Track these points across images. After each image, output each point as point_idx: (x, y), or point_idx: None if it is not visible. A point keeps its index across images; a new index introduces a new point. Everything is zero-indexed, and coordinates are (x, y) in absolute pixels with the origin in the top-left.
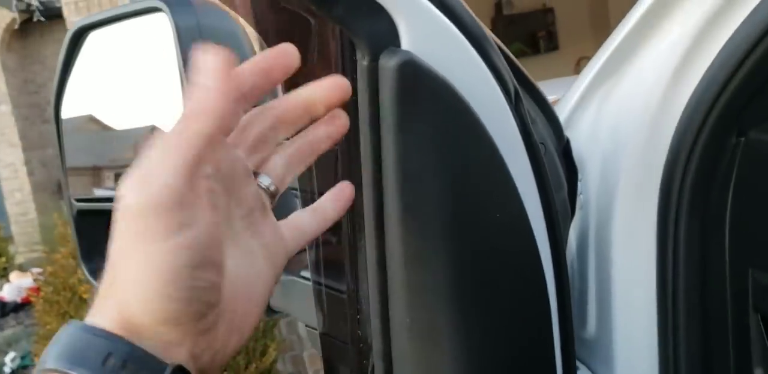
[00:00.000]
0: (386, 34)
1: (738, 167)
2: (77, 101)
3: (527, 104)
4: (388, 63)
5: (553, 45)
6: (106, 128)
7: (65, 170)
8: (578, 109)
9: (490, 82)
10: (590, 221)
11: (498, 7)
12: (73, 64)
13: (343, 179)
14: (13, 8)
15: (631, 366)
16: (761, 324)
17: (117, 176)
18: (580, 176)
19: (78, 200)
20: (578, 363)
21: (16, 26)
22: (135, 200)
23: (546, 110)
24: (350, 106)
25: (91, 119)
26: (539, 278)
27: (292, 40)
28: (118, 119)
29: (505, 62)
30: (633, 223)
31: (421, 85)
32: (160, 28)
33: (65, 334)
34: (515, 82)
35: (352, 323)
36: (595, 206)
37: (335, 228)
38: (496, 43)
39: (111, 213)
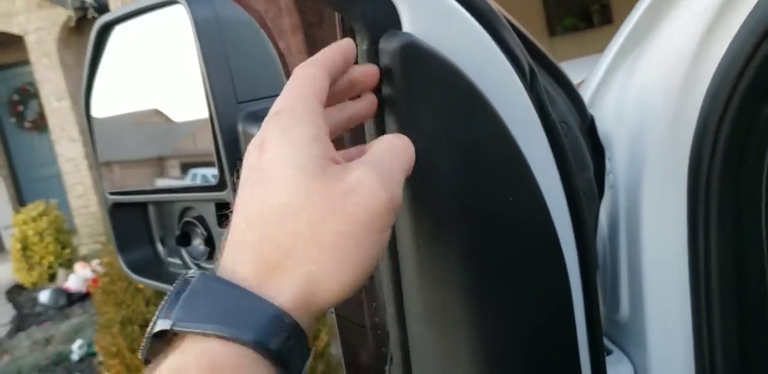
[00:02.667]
0: (385, 17)
1: None
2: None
3: (546, 82)
4: (388, 46)
5: (606, 18)
6: (168, 120)
7: (98, 163)
8: (603, 85)
9: (501, 62)
10: (620, 201)
11: None
12: (100, 59)
13: None
14: (69, 6)
15: (664, 349)
16: None
17: (183, 166)
18: (608, 154)
19: (111, 194)
20: (612, 346)
21: (72, 24)
22: (386, 197)
23: (567, 88)
24: None
25: (157, 112)
26: (558, 261)
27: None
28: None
29: (518, 40)
30: (663, 202)
31: (423, 68)
32: (183, 20)
33: (223, 297)
34: (530, 60)
35: (369, 309)
36: (624, 185)
37: None
38: (510, 22)
39: (144, 205)
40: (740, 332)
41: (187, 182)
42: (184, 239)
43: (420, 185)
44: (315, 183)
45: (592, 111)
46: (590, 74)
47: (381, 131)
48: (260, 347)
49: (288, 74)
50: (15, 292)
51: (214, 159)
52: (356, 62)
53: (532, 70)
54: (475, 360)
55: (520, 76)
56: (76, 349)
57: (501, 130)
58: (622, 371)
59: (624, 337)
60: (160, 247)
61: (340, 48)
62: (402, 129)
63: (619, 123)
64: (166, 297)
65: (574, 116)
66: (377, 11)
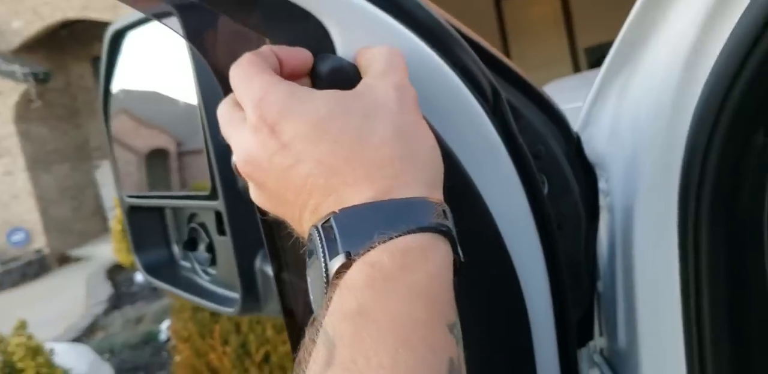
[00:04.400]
0: (315, 41)
1: None
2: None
3: (519, 103)
4: (321, 70)
5: None
6: (176, 126)
7: (116, 166)
8: (597, 103)
9: (455, 84)
10: (616, 224)
11: None
12: (116, 64)
13: None
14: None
15: None
16: None
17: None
18: (604, 174)
19: (129, 197)
20: None
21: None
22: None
23: (546, 108)
24: None
25: (165, 117)
26: (513, 289)
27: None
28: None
29: (477, 60)
30: (655, 229)
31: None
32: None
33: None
34: (493, 81)
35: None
36: (620, 207)
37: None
38: (469, 38)
39: (161, 209)
40: (733, 364)
41: (185, 190)
42: (191, 245)
43: None
44: (354, 117)
45: (588, 128)
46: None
47: None
48: (432, 228)
49: None
50: (115, 271)
51: (207, 169)
52: None
53: (495, 92)
54: None
55: (479, 99)
56: (164, 329)
57: (447, 157)
58: None
59: (622, 368)
60: (176, 250)
61: (274, 49)
62: None
63: (614, 142)
64: (318, 245)
65: (555, 137)
66: (306, 34)
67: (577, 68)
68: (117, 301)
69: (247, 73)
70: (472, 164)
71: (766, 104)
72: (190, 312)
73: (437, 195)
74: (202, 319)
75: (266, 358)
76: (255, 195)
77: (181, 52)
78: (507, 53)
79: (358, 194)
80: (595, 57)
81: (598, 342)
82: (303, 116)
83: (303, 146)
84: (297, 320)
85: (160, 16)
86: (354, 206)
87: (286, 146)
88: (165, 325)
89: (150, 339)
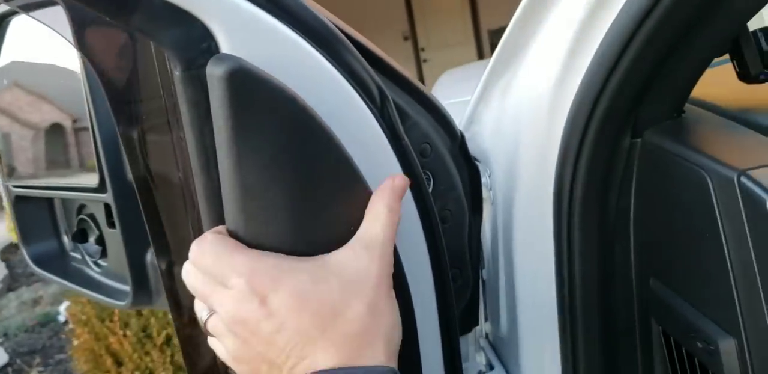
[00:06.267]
0: (198, 41)
1: (637, 170)
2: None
3: (404, 103)
4: (216, 71)
5: None
6: (61, 117)
7: (2, 153)
8: (482, 101)
9: (342, 87)
10: (499, 216)
11: None
12: None
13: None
14: None
15: (536, 366)
16: (662, 337)
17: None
18: (487, 170)
19: (15, 187)
20: (496, 362)
21: None
22: (374, 268)
23: (431, 108)
24: (171, 114)
25: (52, 108)
26: (399, 281)
27: (111, 50)
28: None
29: (364, 64)
30: (532, 223)
31: (255, 95)
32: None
33: None
34: (380, 84)
35: None
36: (502, 202)
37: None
38: (354, 39)
39: (50, 199)
40: (603, 356)
41: (71, 181)
42: (81, 236)
43: (252, 220)
44: (333, 292)
45: (472, 126)
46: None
47: (205, 159)
48: None
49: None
50: (9, 251)
51: (94, 161)
52: (173, 89)
53: (382, 94)
54: None
55: (368, 101)
56: (63, 311)
57: (341, 159)
58: None
59: (505, 352)
60: (65, 240)
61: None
62: (235, 161)
63: (497, 139)
64: None
65: (441, 136)
66: (189, 35)
67: (480, 50)
68: (12, 282)
69: (225, 250)
70: (362, 164)
71: (634, 107)
72: None
73: (393, 363)
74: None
75: (168, 341)
76: (233, 348)
77: (58, 41)
78: (413, 34)
79: (329, 360)
80: (498, 39)
81: (484, 327)
82: (289, 289)
83: (287, 315)
84: (183, 314)
85: (43, 5)
86: (325, 371)
87: (272, 315)
88: (64, 306)
89: (48, 321)
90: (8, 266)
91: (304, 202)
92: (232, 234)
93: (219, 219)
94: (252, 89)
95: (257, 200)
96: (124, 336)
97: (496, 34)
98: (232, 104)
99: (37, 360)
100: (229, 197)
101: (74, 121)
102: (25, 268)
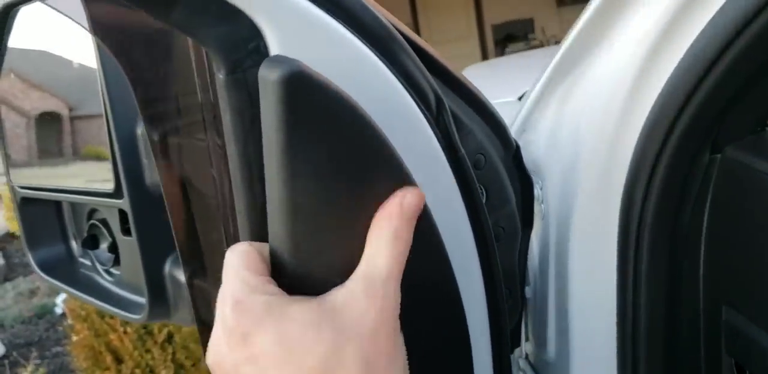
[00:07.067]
0: (245, 40)
1: (714, 188)
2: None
3: (459, 110)
4: (270, 75)
5: None
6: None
7: (7, 157)
8: (537, 108)
9: (398, 93)
10: (551, 232)
11: None
12: (6, 42)
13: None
14: None
15: None
16: (735, 369)
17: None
18: (539, 182)
19: (22, 188)
20: None
21: None
22: (373, 311)
23: (486, 115)
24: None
25: (64, 107)
26: (456, 310)
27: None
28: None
29: (420, 66)
30: (592, 243)
31: (314, 102)
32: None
33: None
34: (436, 88)
35: None
36: (555, 216)
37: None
38: (418, 46)
39: (58, 202)
40: None
41: (86, 185)
42: (92, 242)
43: (301, 241)
44: (324, 342)
45: (525, 134)
46: (527, 93)
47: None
48: None
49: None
50: (5, 241)
51: (110, 164)
52: (209, 88)
53: (438, 100)
54: None
55: (423, 108)
56: (60, 302)
57: (400, 176)
58: None
59: None
60: (74, 245)
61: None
62: (287, 170)
63: (552, 150)
64: None
65: (495, 145)
66: (236, 34)
67: (483, 44)
68: (9, 272)
69: (234, 269)
70: (414, 175)
71: (716, 121)
72: None
73: None
74: None
75: (169, 338)
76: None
77: (73, 34)
78: (416, 27)
79: None
80: (501, 34)
81: (524, 347)
82: (274, 334)
83: (269, 363)
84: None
85: None
86: None
87: (253, 358)
88: (61, 298)
89: (45, 312)
90: (5, 256)
91: (359, 222)
92: (276, 254)
93: (257, 235)
94: (310, 96)
95: (307, 219)
96: (125, 333)
97: (500, 29)
98: (288, 111)
99: (34, 352)
100: (276, 213)
101: (71, 110)
102: (22, 258)
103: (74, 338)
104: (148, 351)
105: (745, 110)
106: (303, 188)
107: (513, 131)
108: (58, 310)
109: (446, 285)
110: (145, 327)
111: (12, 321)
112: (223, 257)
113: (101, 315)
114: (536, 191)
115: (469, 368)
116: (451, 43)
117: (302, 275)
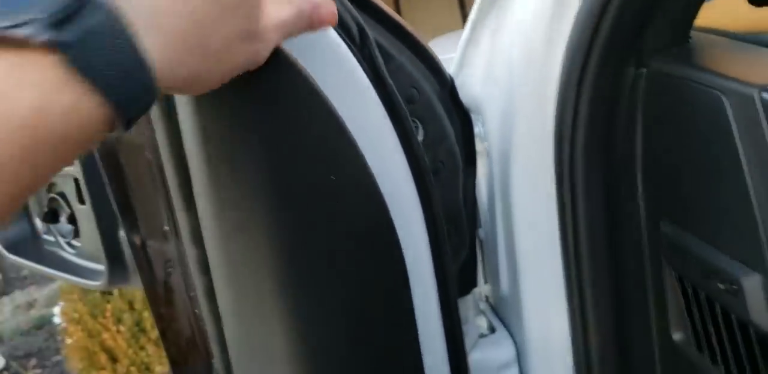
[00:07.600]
0: None
1: (644, 103)
2: None
3: (389, 44)
4: None
5: None
6: None
7: None
8: (470, 45)
9: None
10: (495, 171)
11: None
12: None
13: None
14: None
15: (542, 324)
16: (677, 283)
17: None
18: (480, 119)
19: None
20: (497, 323)
21: None
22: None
23: (418, 50)
24: None
25: None
26: (391, 244)
27: None
28: None
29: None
30: (531, 173)
31: None
32: None
33: None
34: (359, 20)
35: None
36: (498, 154)
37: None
38: None
39: None
40: (614, 307)
41: None
42: (52, 216)
43: (224, 167)
44: None
45: (462, 72)
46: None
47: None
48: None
49: None
50: (1, 256)
51: None
52: None
53: (362, 30)
54: (290, 355)
55: (345, 38)
56: (58, 312)
57: (317, 101)
58: (504, 352)
59: (507, 314)
60: (38, 223)
61: None
62: (198, 101)
63: (489, 85)
64: None
65: (429, 81)
66: None
67: None
68: (6, 287)
69: None
70: (341, 109)
71: (637, 33)
72: (79, 292)
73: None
74: (92, 299)
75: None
76: None
77: None
78: None
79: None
80: None
81: (483, 289)
82: None
83: None
84: (158, 291)
85: None
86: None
87: None
88: (58, 308)
89: (43, 323)
90: (1, 270)
91: None
92: None
93: None
94: None
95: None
96: (118, 331)
97: None
98: None
99: (33, 362)
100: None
101: None
102: (18, 272)
103: (68, 341)
104: (142, 348)
105: (664, 22)
106: (220, 110)
107: (452, 69)
108: (57, 320)
109: (381, 220)
110: (137, 325)
111: (11, 334)
112: (159, 215)
113: (94, 315)
114: (478, 129)
115: (409, 311)
116: (437, 36)
117: None
